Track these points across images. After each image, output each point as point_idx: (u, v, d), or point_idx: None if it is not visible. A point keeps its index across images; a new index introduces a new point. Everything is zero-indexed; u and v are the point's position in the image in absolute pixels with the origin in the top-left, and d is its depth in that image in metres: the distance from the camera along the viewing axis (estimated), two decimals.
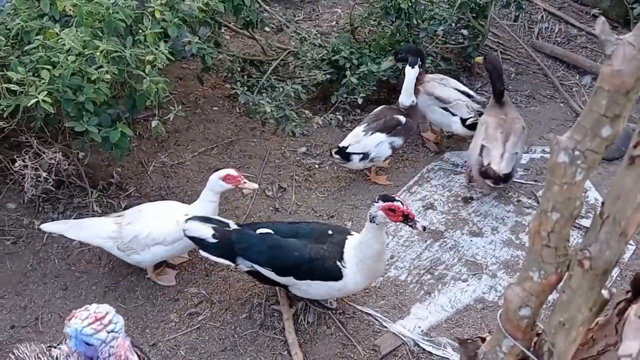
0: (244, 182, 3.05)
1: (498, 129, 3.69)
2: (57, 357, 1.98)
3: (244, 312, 3.18)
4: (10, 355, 2.08)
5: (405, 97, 3.88)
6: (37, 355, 2.02)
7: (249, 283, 3.30)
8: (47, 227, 3.09)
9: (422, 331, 3.07)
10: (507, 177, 3.58)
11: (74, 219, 3.47)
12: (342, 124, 4.23)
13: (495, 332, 2.11)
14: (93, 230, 3.08)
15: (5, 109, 2.91)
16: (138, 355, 2.00)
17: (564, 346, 1.87)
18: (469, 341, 2.26)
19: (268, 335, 3.07)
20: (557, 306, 1.88)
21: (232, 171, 3.04)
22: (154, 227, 3.04)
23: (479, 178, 3.66)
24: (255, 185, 3.15)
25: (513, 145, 3.64)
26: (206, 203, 3.09)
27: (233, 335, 3.07)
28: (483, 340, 2.23)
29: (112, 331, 1.48)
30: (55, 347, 2.06)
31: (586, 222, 3.48)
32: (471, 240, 3.55)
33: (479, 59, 4.13)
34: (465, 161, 4.03)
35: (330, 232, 2.93)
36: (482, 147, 3.65)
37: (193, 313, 3.18)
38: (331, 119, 3.97)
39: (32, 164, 3.09)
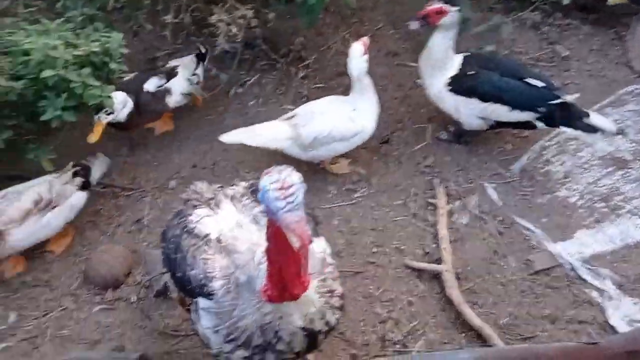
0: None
1: None
2: (232, 196, 2.15)
3: (399, 199, 3.19)
4: (190, 187, 2.28)
5: None
6: (214, 191, 2.20)
7: (409, 171, 3.29)
8: (226, 137, 3.11)
9: (582, 258, 2.89)
10: None
11: (255, 80, 3.64)
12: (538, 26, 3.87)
13: None
14: (273, 134, 3.13)
15: None
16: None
17: None
18: None
19: (419, 226, 3.07)
20: None
21: (364, 40, 2.97)
22: (331, 126, 3.07)
23: None
24: None
25: None
26: (362, 91, 3.07)
27: (385, 218, 3.12)
28: None
29: (290, 202, 1.48)
30: (230, 187, 2.23)
31: None
32: None
33: None
34: None
35: None
36: None
37: (351, 189, 3.26)
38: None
39: (227, 17, 3.21)
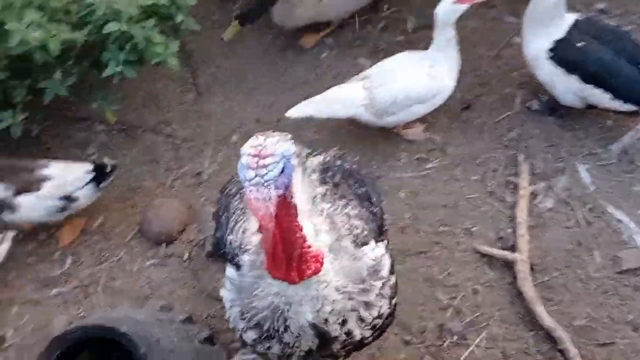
0: None
1: None
2: (304, 167, 1.91)
3: (476, 174, 2.89)
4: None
5: None
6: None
7: (490, 143, 2.96)
8: (293, 112, 2.81)
9: None
10: None
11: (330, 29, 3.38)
12: None
13: None
14: (343, 102, 2.83)
15: None
16: (354, 175, 1.88)
17: None
18: None
19: (495, 206, 2.77)
20: None
21: None
22: (409, 86, 2.77)
23: None
24: None
25: None
26: (444, 43, 2.72)
27: (458, 194, 2.84)
28: None
29: (261, 175, 1.24)
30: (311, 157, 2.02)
31: None
32: None
33: None
34: None
35: None
36: None
37: (423, 159, 2.98)
38: None
39: None
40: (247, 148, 1.27)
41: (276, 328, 1.64)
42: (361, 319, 1.66)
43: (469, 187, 2.85)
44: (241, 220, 1.81)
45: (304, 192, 1.74)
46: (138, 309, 2.59)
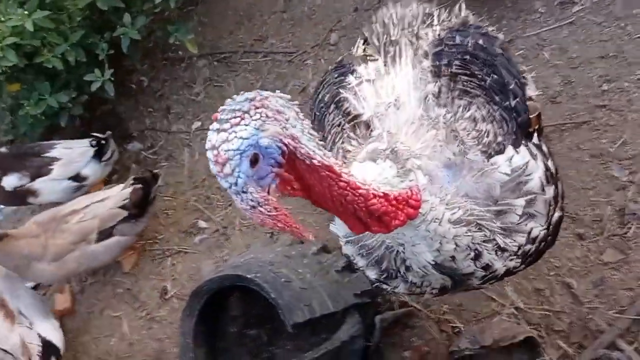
0: None
1: None
2: (417, 48, 1.46)
3: None
4: (378, 15, 1.65)
5: None
6: (402, 29, 1.55)
7: None
8: None
9: None
10: None
11: None
12: None
13: None
14: None
15: None
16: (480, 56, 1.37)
17: None
18: None
19: None
20: None
21: None
22: None
23: None
24: None
25: None
26: None
27: (620, 38, 2.22)
28: None
29: (231, 183, 0.97)
30: (425, 28, 1.54)
31: None
32: None
33: None
34: None
35: None
36: None
37: (566, 2, 2.35)
38: None
39: None
40: (208, 151, 0.96)
41: (396, 267, 1.38)
42: (501, 249, 1.29)
43: (634, 25, 2.18)
44: (339, 139, 1.45)
45: (413, 90, 1.35)
46: (269, 247, 2.45)
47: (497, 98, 1.32)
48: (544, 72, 2.27)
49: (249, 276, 1.93)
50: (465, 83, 1.33)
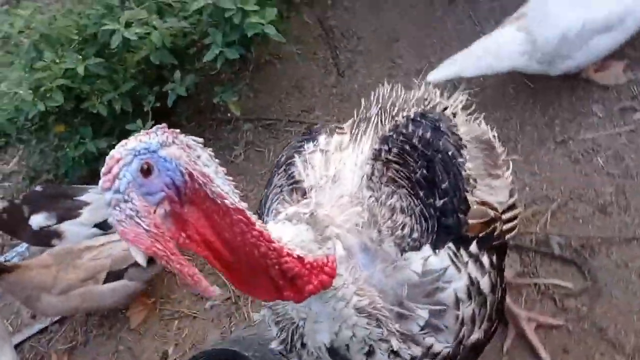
0: None
1: None
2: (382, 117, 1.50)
3: None
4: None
5: None
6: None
7: None
8: (435, 75, 2.23)
9: None
10: None
11: None
12: None
13: None
14: (495, 53, 2.19)
15: None
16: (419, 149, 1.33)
17: None
18: None
19: None
20: None
21: None
22: (581, 14, 2.05)
23: None
24: None
25: None
26: None
27: None
28: None
29: (113, 190, 0.92)
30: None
31: None
32: None
33: None
34: None
35: None
36: None
37: (627, 109, 2.21)
38: None
39: None
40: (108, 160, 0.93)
41: (293, 342, 1.33)
42: (394, 353, 1.21)
43: None
44: (276, 200, 1.40)
45: (358, 169, 1.32)
46: None
47: (421, 193, 1.27)
48: (596, 179, 2.11)
49: (246, 354, 1.88)
50: (394, 172, 1.31)
